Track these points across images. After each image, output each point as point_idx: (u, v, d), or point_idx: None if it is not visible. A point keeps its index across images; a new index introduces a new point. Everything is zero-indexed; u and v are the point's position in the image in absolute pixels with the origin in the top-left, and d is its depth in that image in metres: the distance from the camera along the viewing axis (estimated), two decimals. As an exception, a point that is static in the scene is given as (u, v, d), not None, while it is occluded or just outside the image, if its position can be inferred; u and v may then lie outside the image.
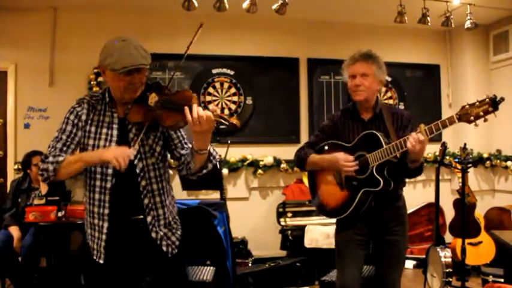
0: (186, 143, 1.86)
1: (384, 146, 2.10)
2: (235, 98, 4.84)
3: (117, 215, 1.80)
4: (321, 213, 2.43)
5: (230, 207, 3.79)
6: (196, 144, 1.69)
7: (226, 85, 4.83)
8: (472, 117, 1.87)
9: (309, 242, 4.22)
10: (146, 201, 1.81)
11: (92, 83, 4.47)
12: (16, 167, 4.29)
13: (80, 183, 4.44)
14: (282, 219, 4.54)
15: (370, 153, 2.15)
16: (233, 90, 4.85)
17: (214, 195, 4.08)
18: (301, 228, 4.31)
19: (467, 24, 4.26)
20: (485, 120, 1.86)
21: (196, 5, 3.67)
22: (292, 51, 5.02)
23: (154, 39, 4.37)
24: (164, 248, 1.84)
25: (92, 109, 1.83)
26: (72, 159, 1.73)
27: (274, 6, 3.79)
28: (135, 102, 1.76)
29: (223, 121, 1.60)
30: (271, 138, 4.92)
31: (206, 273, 2.99)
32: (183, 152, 1.83)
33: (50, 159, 1.73)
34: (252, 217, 4.80)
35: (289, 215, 4.55)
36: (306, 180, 4.76)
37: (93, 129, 1.81)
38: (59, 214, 3.59)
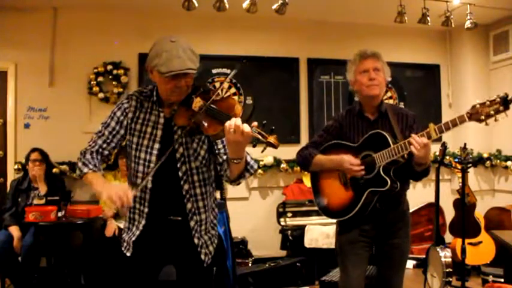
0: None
1: (391, 146, 2.09)
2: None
3: (156, 215, 1.80)
4: (324, 214, 2.39)
5: (230, 207, 3.79)
6: (229, 152, 1.66)
7: (226, 85, 4.83)
8: (482, 116, 1.86)
9: (309, 242, 4.22)
10: (189, 205, 1.80)
11: (92, 83, 4.47)
12: (16, 167, 4.28)
13: (80, 183, 4.45)
14: (282, 219, 4.54)
15: (377, 152, 2.13)
16: (233, 90, 4.85)
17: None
18: (301, 228, 4.32)
19: (467, 24, 4.25)
20: (495, 120, 1.86)
21: (196, 5, 3.67)
22: (292, 51, 5.02)
23: (154, 39, 4.35)
24: (202, 257, 1.84)
25: (140, 106, 1.83)
26: (89, 177, 1.77)
27: (274, 6, 3.78)
28: (181, 104, 1.75)
29: (260, 138, 1.54)
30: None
31: (206, 273, 2.98)
32: (225, 157, 1.78)
33: (83, 160, 1.80)
34: (252, 217, 4.80)
35: (289, 215, 4.55)
36: (306, 180, 4.78)
37: (138, 127, 1.81)
38: (59, 214, 3.60)
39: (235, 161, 1.65)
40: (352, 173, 2.18)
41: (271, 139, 1.54)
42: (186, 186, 1.79)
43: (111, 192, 1.60)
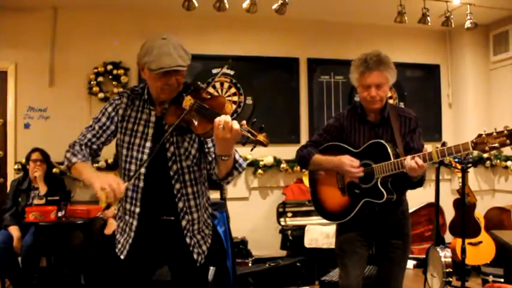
0: None
1: (392, 159, 2.07)
2: (235, 98, 4.84)
3: (148, 215, 1.79)
4: (320, 216, 2.41)
5: (230, 207, 3.79)
6: (217, 149, 1.64)
7: (226, 85, 4.83)
8: (487, 147, 1.86)
9: (309, 241, 4.22)
10: (181, 204, 1.79)
11: (92, 83, 4.47)
12: (16, 167, 4.28)
13: (80, 183, 4.45)
14: (282, 219, 4.54)
15: (377, 163, 2.12)
16: (233, 90, 4.85)
17: (214, 195, 4.08)
18: (301, 228, 4.32)
19: (467, 24, 4.25)
20: (500, 152, 1.87)
21: (196, 5, 3.67)
22: (292, 51, 5.02)
23: (154, 39, 4.36)
24: (195, 256, 1.83)
25: (131, 104, 1.82)
26: (79, 167, 1.73)
27: (274, 6, 3.78)
28: (172, 102, 1.74)
29: (250, 136, 1.53)
30: (271, 138, 4.84)
31: (206, 273, 2.99)
32: (214, 156, 1.76)
33: (72, 151, 1.76)
34: (252, 217, 4.80)
35: (289, 215, 4.55)
36: (306, 180, 4.78)
37: (130, 126, 1.80)
38: (59, 214, 3.59)
39: (223, 158, 1.64)
40: (351, 174, 2.17)
41: (261, 137, 1.54)
42: (177, 186, 1.78)
43: (104, 183, 1.54)
